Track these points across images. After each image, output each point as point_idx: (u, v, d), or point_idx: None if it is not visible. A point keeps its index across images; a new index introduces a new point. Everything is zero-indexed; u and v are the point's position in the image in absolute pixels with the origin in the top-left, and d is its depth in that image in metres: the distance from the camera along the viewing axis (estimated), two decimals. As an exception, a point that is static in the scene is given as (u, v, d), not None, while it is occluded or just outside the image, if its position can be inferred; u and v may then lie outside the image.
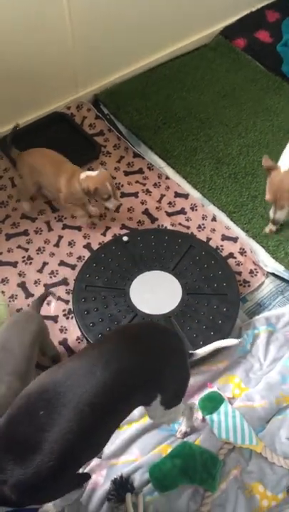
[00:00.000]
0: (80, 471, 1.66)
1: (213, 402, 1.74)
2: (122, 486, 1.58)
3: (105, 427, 1.26)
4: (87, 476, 1.55)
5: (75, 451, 1.17)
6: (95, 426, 1.20)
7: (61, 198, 2.17)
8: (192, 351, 1.52)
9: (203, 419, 1.74)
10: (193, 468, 1.60)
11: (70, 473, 1.22)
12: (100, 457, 1.68)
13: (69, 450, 1.14)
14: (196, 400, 1.77)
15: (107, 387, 1.20)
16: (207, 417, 1.72)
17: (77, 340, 1.98)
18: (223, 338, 1.84)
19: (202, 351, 1.54)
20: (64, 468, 1.16)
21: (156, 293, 2.01)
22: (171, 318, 1.92)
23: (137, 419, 1.74)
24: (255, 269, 2.17)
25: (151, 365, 1.30)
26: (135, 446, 1.71)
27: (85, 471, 1.66)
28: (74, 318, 2.01)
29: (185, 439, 1.70)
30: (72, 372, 1.22)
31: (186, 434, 1.70)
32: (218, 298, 1.98)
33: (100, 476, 1.65)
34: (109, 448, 1.70)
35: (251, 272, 2.16)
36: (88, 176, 2.05)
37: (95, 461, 1.68)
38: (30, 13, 2.19)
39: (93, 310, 1.96)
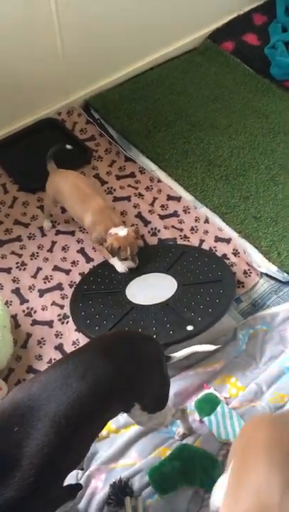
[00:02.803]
0: (79, 476, 1.65)
1: (209, 404, 1.74)
2: (120, 490, 1.58)
3: (83, 437, 1.25)
4: (78, 487, 1.54)
5: (55, 465, 1.15)
6: (73, 437, 1.18)
7: (90, 239, 2.17)
8: (169, 355, 1.53)
9: (201, 421, 1.74)
10: (192, 470, 1.60)
11: (53, 488, 1.19)
12: (82, 468, 1.67)
13: (48, 464, 1.12)
14: (193, 402, 1.77)
15: (83, 398, 1.19)
16: (205, 419, 1.72)
17: (73, 344, 1.98)
18: (223, 313, 1.87)
19: (179, 355, 1.55)
20: (45, 483, 1.13)
21: (151, 289, 2.02)
22: (167, 305, 1.92)
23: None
24: (249, 270, 2.18)
25: (127, 374, 1.29)
26: (134, 449, 1.70)
27: (84, 475, 1.65)
28: (69, 323, 2.01)
29: (184, 441, 1.69)
30: (47, 385, 1.20)
31: (184, 436, 1.70)
32: (213, 284, 1.98)
33: (100, 480, 1.64)
34: (107, 452, 1.70)
35: (245, 272, 2.17)
36: (116, 235, 2.02)
37: (93, 466, 1.67)
38: (19, 22, 2.20)
39: (90, 310, 1.97)
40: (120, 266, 2.09)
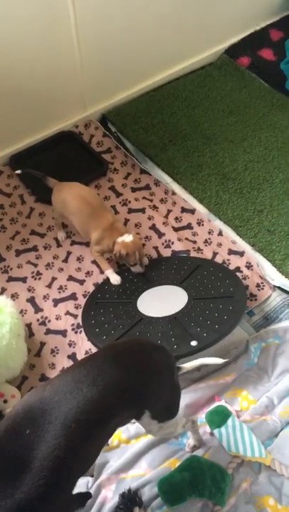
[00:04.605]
0: (90, 485, 1.66)
1: (220, 416, 1.74)
2: (130, 500, 1.58)
3: (93, 442, 1.25)
4: (88, 495, 1.54)
5: (65, 468, 1.15)
6: (83, 442, 1.19)
7: (91, 250, 2.21)
8: (178, 365, 1.53)
9: (211, 434, 1.74)
10: (202, 482, 1.60)
11: (63, 492, 1.19)
12: (92, 475, 1.68)
13: (59, 467, 1.13)
14: (204, 414, 1.78)
15: (93, 403, 1.20)
16: (215, 431, 1.72)
17: (85, 354, 2.00)
18: (229, 331, 1.86)
19: (188, 366, 1.56)
20: (55, 486, 1.14)
21: (162, 301, 2.04)
22: (175, 319, 1.93)
23: (145, 433, 1.74)
24: (262, 283, 2.18)
25: (137, 381, 1.31)
26: (144, 460, 1.71)
27: (94, 485, 1.66)
28: (82, 333, 2.04)
29: (194, 453, 1.70)
30: (59, 390, 1.22)
31: (194, 448, 1.70)
32: (224, 300, 1.98)
33: (109, 490, 1.65)
34: (118, 462, 1.71)
35: (258, 285, 2.18)
36: (123, 242, 2.07)
37: (104, 476, 1.68)
38: (38, 35, 2.26)
39: (100, 319, 2.00)
40: (114, 278, 2.14)
